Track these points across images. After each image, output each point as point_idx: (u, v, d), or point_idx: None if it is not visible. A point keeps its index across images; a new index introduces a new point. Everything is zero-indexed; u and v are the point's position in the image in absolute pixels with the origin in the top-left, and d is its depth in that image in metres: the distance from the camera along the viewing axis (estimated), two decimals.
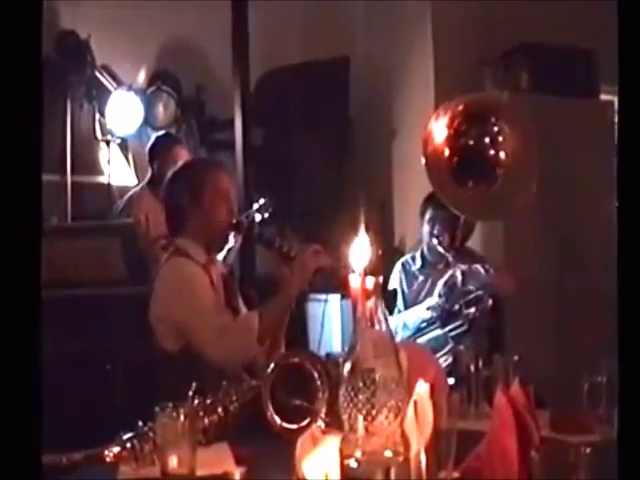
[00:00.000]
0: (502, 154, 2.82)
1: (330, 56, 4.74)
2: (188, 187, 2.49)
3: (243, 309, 2.54)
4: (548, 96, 4.15)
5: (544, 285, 4.08)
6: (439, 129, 2.86)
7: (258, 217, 2.63)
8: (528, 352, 2.08)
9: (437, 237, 3.38)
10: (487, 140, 2.87)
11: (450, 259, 3.37)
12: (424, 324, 3.37)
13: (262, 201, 2.63)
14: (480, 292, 3.31)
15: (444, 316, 3.34)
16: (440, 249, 3.38)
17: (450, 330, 3.34)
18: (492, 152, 2.85)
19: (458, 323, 3.33)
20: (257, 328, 2.28)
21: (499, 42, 4.30)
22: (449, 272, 3.37)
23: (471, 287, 3.34)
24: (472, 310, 3.31)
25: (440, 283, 3.37)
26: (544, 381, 1.90)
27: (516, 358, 1.99)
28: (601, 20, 3.22)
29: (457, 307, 3.33)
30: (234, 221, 2.49)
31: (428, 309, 3.35)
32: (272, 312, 2.34)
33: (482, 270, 3.38)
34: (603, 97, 4.42)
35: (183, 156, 4.27)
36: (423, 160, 2.84)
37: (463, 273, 3.37)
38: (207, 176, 2.52)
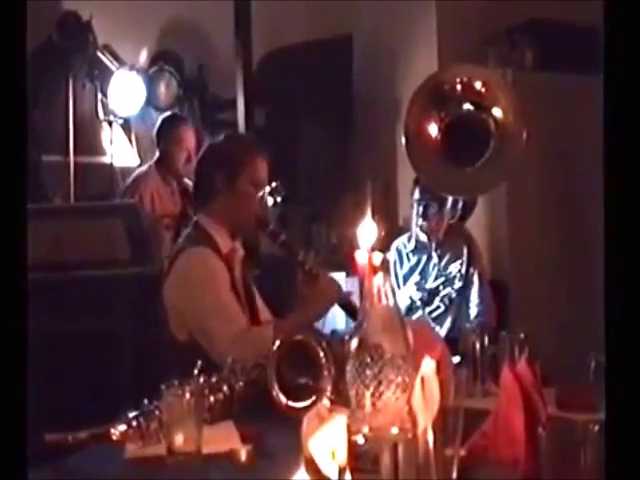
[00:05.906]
0: (492, 123, 2.70)
1: (333, 34, 4.70)
2: (224, 164, 2.40)
3: (259, 299, 2.50)
4: (553, 73, 4.12)
5: (550, 262, 4.07)
6: (420, 109, 2.76)
7: (270, 200, 2.53)
8: (534, 329, 2.06)
9: (423, 218, 3.39)
10: (473, 111, 2.73)
11: (436, 240, 3.40)
12: (412, 305, 3.39)
13: (274, 184, 2.52)
14: (457, 273, 3.36)
15: (426, 298, 3.37)
16: (424, 231, 3.41)
17: (430, 311, 3.38)
18: (480, 123, 2.72)
19: (436, 304, 3.37)
20: (271, 341, 2.24)
21: (504, 19, 4.26)
22: (434, 254, 3.40)
23: (450, 268, 3.37)
24: (449, 291, 3.35)
25: (425, 265, 3.42)
26: (550, 358, 1.89)
27: (522, 335, 1.98)
28: None
29: (436, 288, 3.38)
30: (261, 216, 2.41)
31: (418, 290, 3.39)
32: (288, 329, 2.29)
33: (465, 250, 3.40)
34: None
35: (189, 137, 4.28)
36: (404, 141, 2.73)
37: (445, 254, 3.40)
38: (247, 159, 2.42)
